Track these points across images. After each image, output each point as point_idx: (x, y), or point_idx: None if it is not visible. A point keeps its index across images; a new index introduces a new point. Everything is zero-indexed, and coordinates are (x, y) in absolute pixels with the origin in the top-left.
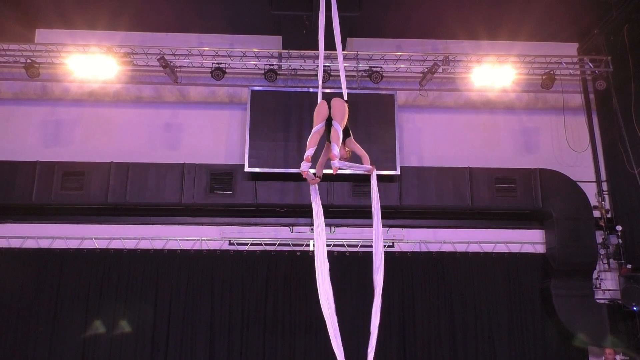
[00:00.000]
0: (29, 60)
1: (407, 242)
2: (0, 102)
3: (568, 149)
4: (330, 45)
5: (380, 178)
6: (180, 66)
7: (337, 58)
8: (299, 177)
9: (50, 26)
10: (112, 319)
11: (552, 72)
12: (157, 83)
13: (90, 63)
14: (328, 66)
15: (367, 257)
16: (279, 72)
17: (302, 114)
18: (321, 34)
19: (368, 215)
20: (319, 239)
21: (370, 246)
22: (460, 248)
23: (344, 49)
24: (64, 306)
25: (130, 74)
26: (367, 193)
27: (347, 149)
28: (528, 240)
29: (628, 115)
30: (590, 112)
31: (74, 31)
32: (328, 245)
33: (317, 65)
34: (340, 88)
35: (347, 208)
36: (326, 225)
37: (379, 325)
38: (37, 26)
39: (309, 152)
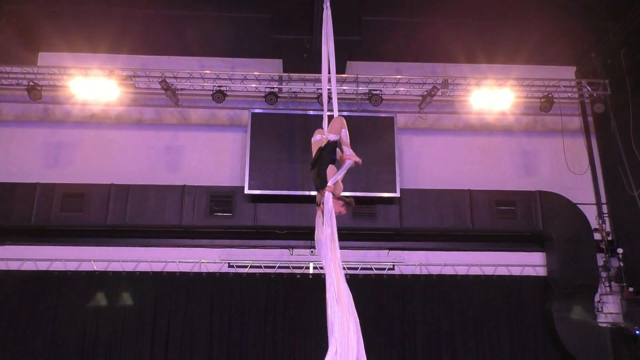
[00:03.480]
0: (31, 83)
1: (408, 265)
2: (2, 124)
3: (568, 171)
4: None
5: (380, 200)
6: (181, 89)
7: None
8: (299, 200)
9: (53, 49)
10: (109, 341)
11: (550, 95)
12: (159, 105)
13: (92, 86)
14: (329, 89)
15: (368, 280)
16: (279, 94)
17: (302, 136)
18: (324, 57)
19: (368, 237)
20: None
21: (371, 269)
22: (461, 271)
23: (343, 72)
24: (61, 329)
25: (131, 97)
26: (367, 215)
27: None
28: (529, 263)
29: (627, 138)
30: (589, 135)
31: (77, 54)
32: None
33: (318, 88)
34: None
35: (347, 230)
36: None
37: (381, 347)
38: (40, 49)
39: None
